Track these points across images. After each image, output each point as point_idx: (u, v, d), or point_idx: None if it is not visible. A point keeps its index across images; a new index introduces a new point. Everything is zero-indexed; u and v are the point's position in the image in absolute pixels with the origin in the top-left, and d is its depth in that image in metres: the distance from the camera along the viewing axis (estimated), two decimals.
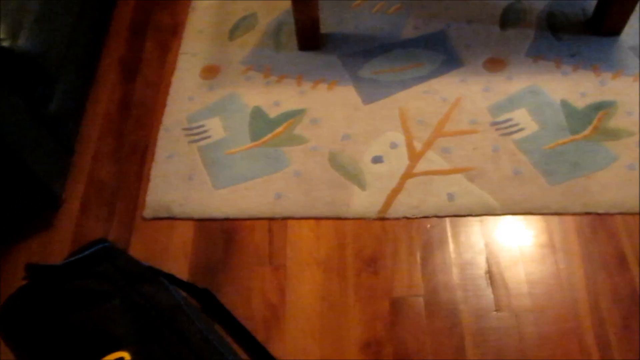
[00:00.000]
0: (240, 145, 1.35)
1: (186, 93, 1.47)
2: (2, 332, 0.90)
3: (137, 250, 1.23)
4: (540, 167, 1.26)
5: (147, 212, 1.27)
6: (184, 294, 1.07)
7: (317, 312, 1.13)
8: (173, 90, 1.48)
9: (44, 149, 1.27)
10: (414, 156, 1.29)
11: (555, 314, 1.10)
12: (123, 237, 1.26)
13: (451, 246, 1.18)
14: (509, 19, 1.53)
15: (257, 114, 1.40)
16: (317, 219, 1.23)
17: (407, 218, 1.22)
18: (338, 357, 1.08)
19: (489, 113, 1.35)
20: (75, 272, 0.88)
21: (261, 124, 1.38)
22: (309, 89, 1.44)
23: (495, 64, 1.44)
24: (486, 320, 1.10)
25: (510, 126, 1.33)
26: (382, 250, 1.19)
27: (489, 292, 1.13)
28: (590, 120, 1.33)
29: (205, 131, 1.39)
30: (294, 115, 1.39)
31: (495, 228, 1.20)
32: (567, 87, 1.39)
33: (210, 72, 1.50)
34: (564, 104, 1.36)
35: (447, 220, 1.22)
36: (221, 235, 1.23)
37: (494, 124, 1.34)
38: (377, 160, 1.30)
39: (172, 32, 1.63)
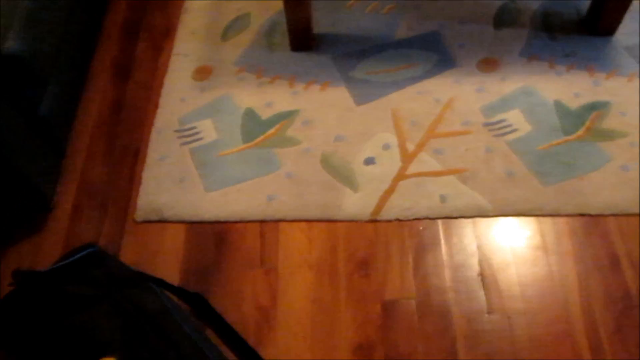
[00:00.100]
0: (232, 147, 1.35)
1: (178, 94, 1.46)
2: None
3: (129, 254, 1.23)
4: (533, 168, 1.25)
5: (139, 215, 1.26)
6: (175, 298, 1.07)
7: (308, 315, 1.12)
8: (165, 91, 1.47)
9: (34, 152, 1.26)
10: (407, 158, 1.29)
11: (547, 317, 1.09)
12: (114, 240, 1.25)
13: (443, 248, 1.18)
14: (503, 19, 1.52)
15: (250, 116, 1.39)
16: (309, 221, 1.23)
17: (400, 220, 1.21)
18: None
19: (482, 114, 1.35)
20: (62, 277, 0.88)
21: (253, 125, 1.38)
22: (302, 90, 1.43)
23: (489, 64, 1.44)
24: (478, 323, 1.09)
25: (504, 127, 1.32)
26: (374, 252, 1.18)
27: (481, 294, 1.12)
28: (583, 121, 1.32)
29: (197, 133, 1.38)
30: (287, 117, 1.38)
31: (487, 230, 1.19)
32: (560, 87, 1.38)
33: (203, 74, 1.50)
34: (558, 105, 1.35)
35: (440, 222, 1.21)
36: (213, 238, 1.23)
37: (487, 124, 1.33)
38: (369, 161, 1.29)
39: (165, 33, 1.62)
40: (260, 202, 1.25)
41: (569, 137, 1.30)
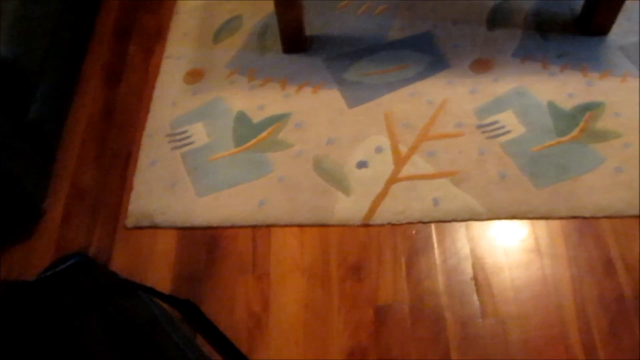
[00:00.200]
0: (223, 151, 1.34)
1: (170, 98, 1.45)
2: None
3: (120, 260, 1.22)
4: (527, 171, 1.25)
5: (130, 221, 1.25)
6: (166, 306, 1.06)
7: (300, 320, 1.11)
8: (156, 95, 1.46)
9: (24, 157, 1.25)
10: (399, 161, 1.28)
11: (541, 320, 1.08)
12: (105, 246, 1.24)
13: (436, 252, 1.17)
14: (496, 19, 1.51)
15: (241, 119, 1.38)
16: (301, 226, 1.22)
17: (392, 224, 1.20)
18: None
19: (475, 115, 1.34)
20: (49, 287, 0.87)
21: (245, 129, 1.37)
22: (294, 92, 1.42)
23: (482, 65, 1.43)
24: (472, 327, 1.08)
25: (497, 129, 1.31)
26: (366, 257, 1.17)
27: (474, 298, 1.12)
28: (577, 122, 1.31)
29: (188, 137, 1.37)
30: (278, 120, 1.37)
31: (481, 233, 1.19)
32: (554, 88, 1.37)
33: (194, 77, 1.49)
34: (551, 106, 1.34)
35: (433, 225, 1.20)
36: (204, 244, 1.22)
37: (480, 126, 1.32)
38: (361, 165, 1.28)
39: (157, 36, 1.61)
40: (252, 207, 1.24)
41: (563, 139, 1.29)
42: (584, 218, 1.19)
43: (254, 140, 1.35)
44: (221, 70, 1.49)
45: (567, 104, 1.34)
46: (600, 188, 1.21)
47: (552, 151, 1.27)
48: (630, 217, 1.18)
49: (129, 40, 1.61)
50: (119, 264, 1.21)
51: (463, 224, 1.20)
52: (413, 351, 1.07)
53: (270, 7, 1.60)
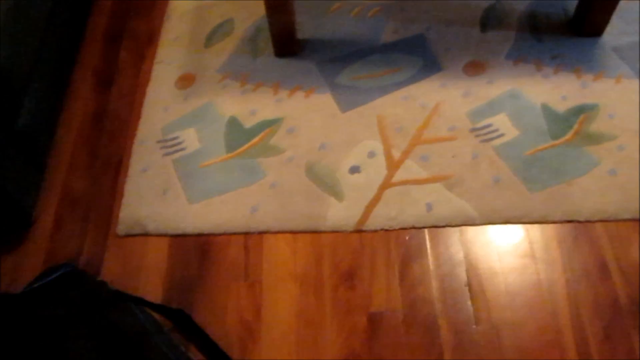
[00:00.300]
0: (215, 157, 1.33)
1: (161, 104, 1.44)
2: None
3: (111, 268, 1.21)
4: (521, 174, 1.24)
5: (120, 229, 1.24)
6: (158, 316, 1.05)
7: (293, 328, 1.10)
8: (148, 101, 1.45)
9: (13, 165, 1.24)
10: (392, 165, 1.27)
11: (535, 326, 1.07)
12: (97, 254, 1.23)
13: (430, 258, 1.16)
14: (489, 21, 1.50)
15: (233, 124, 1.37)
16: (294, 232, 1.21)
17: (385, 230, 1.19)
18: None
19: (468, 119, 1.33)
20: (37, 299, 0.86)
21: (237, 134, 1.36)
22: (286, 97, 1.41)
23: (475, 68, 1.42)
24: (466, 334, 1.07)
25: (490, 132, 1.30)
26: (359, 263, 1.16)
27: (468, 304, 1.11)
28: (571, 125, 1.30)
29: (179, 143, 1.36)
30: (270, 125, 1.36)
31: (474, 238, 1.18)
32: (548, 90, 1.36)
33: (186, 82, 1.47)
34: (545, 108, 1.33)
35: (426, 231, 1.19)
36: (196, 252, 1.21)
37: (474, 130, 1.31)
38: (354, 170, 1.27)
39: (148, 40, 1.60)
40: (244, 214, 1.23)
41: (557, 142, 1.28)
42: (579, 222, 1.18)
43: (245, 146, 1.34)
44: (213, 75, 1.48)
45: (561, 107, 1.33)
46: (594, 191, 1.20)
47: (546, 154, 1.26)
48: (624, 220, 1.17)
49: (119, 45, 1.60)
50: (110, 272, 1.20)
51: (457, 229, 1.19)
52: (406, 358, 1.06)
53: (261, 10, 1.59)
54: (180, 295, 1.16)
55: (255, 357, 1.08)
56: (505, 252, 1.16)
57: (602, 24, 1.44)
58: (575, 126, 1.30)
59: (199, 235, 1.22)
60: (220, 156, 1.32)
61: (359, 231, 1.19)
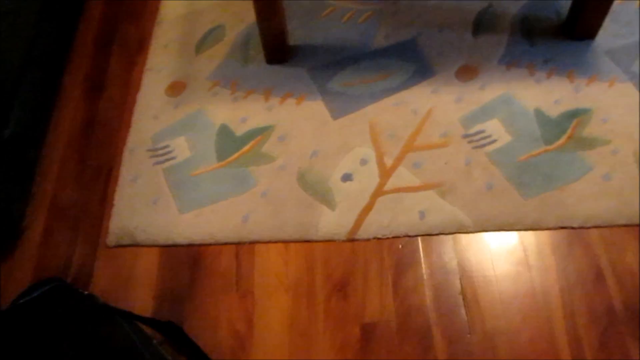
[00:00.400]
0: (206, 166, 1.31)
1: (151, 112, 1.42)
2: None
3: (101, 280, 1.19)
4: (514, 180, 1.23)
5: (110, 240, 1.23)
6: (148, 328, 1.03)
7: (285, 340, 1.09)
8: (138, 108, 1.44)
9: (1, 175, 1.22)
10: (385, 173, 1.26)
11: (530, 335, 1.06)
12: (86, 265, 1.22)
13: (423, 266, 1.15)
14: (482, 25, 1.49)
15: (224, 132, 1.36)
16: (286, 242, 1.19)
17: (378, 238, 1.18)
18: None
19: (460, 125, 1.32)
20: (23, 315, 0.84)
21: (228, 142, 1.34)
22: (277, 104, 1.39)
23: (467, 73, 1.41)
24: (460, 344, 1.06)
25: (483, 138, 1.29)
26: (352, 273, 1.15)
27: (462, 313, 1.10)
28: (564, 129, 1.29)
29: (170, 152, 1.35)
30: (262, 132, 1.35)
31: (468, 246, 1.17)
32: (540, 94, 1.35)
33: (176, 89, 1.46)
34: (538, 113, 1.32)
35: (419, 239, 1.18)
36: (187, 262, 1.19)
37: (466, 136, 1.30)
38: (346, 178, 1.26)
39: (138, 47, 1.58)
40: (236, 223, 1.22)
41: (550, 147, 1.27)
42: (573, 228, 1.17)
43: (236, 154, 1.32)
44: (203, 82, 1.46)
45: (554, 111, 1.32)
46: (588, 197, 1.19)
47: (539, 160, 1.25)
48: (619, 226, 1.16)
49: (110, 51, 1.59)
50: (101, 283, 1.19)
51: (450, 236, 1.18)
52: None
53: (252, 16, 1.57)
54: (171, 307, 1.15)
55: None
56: (499, 259, 1.14)
57: (595, 27, 1.43)
58: (569, 131, 1.29)
59: (190, 245, 1.21)
60: (211, 165, 1.31)
61: (351, 240, 1.18)
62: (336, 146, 1.31)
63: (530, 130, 1.30)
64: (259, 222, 1.21)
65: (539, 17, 1.49)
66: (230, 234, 1.21)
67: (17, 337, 0.83)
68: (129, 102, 1.46)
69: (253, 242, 1.20)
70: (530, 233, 1.17)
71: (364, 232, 1.18)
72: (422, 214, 1.19)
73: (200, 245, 1.21)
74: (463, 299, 1.11)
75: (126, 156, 1.35)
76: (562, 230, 1.17)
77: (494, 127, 1.31)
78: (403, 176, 1.25)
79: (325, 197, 1.23)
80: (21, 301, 0.87)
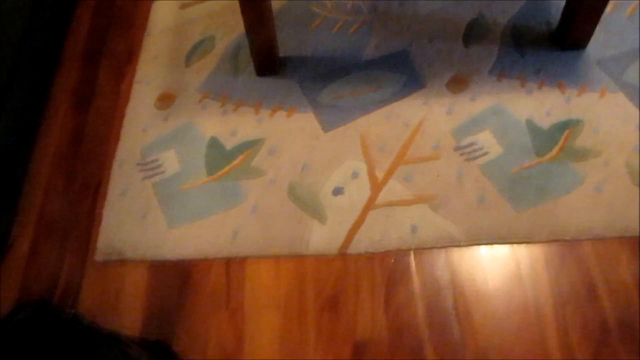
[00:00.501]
0: (195, 180, 1.30)
1: (140, 125, 1.41)
2: None
3: (89, 296, 1.18)
4: (506, 193, 1.22)
5: (99, 255, 1.21)
6: (137, 349, 1.02)
7: (276, 358, 1.07)
8: (127, 121, 1.42)
9: None
10: (376, 186, 1.25)
11: (523, 351, 1.05)
12: (74, 281, 1.20)
13: (415, 281, 1.14)
14: (472, 35, 1.48)
15: (214, 146, 1.35)
16: (276, 257, 1.18)
17: (370, 253, 1.17)
18: None
19: (452, 137, 1.31)
20: (6, 339, 0.82)
21: (217, 156, 1.33)
22: (267, 116, 1.38)
23: (458, 84, 1.40)
24: None
25: (475, 150, 1.28)
26: (343, 289, 1.14)
27: (455, 329, 1.09)
28: (556, 141, 1.29)
29: (159, 165, 1.33)
30: (252, 146, 1.34)
31: (461, 260, 1.16)
32: (532, 105, 1.35)
33: (166, 101, 1.45)
34: (529, 124, 1.32)
35: (411, 253, 1.17)
36: (176, 279, 1.18)
37: (458, 148, 1.29)
38: (337, 192, 1.25)
39: (127, 59, 1.57)
40: (225, 239, 1.21)
41: (542, 159, 1.26)
42: (565, 241, 1.16)
43: (226, 168, 1.31)
44: (193, 94, 1.45)
45: (546, 122, 1.32)
46: (580, 209, 1.19)
47: (531, 172, 1.24)
48: (611, 238, 1.15)
49: (99, 63, 1.57)
50: (88, 300, 1.17)
51: (442, 250, 1.17)
52: None
53: (242, 26, 1.56)
54: (160, 324, 1.13)
55: None
56: (491, 273, 1.14)
57: (586, 36, 1.43)
58: (560, 142, 1.28)
59: (179, 261, 1.19)
60: (200, 179, 1.30)
61: (342, 255, 1.17)
62: (327, 159, 1.30)
63: (522, 141, 1.29)
64: (249, 237, 1.20)
65: (530, 27, 1.49)
66: (220, 249, 1.19)
67: None
68: (118, 115, 1.45)
69: (243, 258, 1.18)
70: (523, 246, 1.16)
71: (355, 247, 1.17)
72: (414, 228, 1.18)
73: (189, 261, 1.19)
74: (456, 315, 1.10)
75: (115, 170, 1.33)
76: (555, 243, 1.16)
77: (485, 138, 1.30)
78: (394, 189, 1.24)
79: (316, 212, 1.22)
80: (4, 325, 0.85)
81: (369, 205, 1.22)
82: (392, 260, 1.16)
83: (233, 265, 1.18)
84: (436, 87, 1.40)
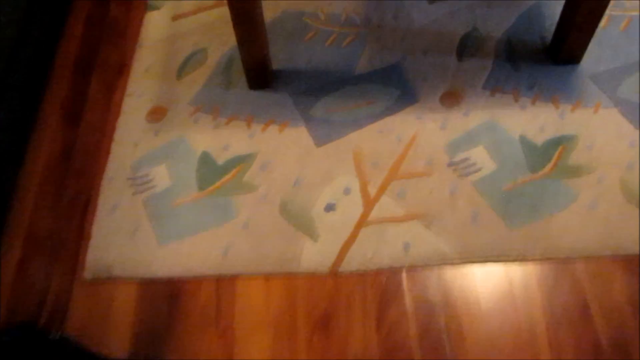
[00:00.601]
0: (186, 196, 1.28)
1: (131, 138, 1.40)
2: None
3: (77, 316, 1.16)
4: (499, 210, 1.21)
5: (87, 274, 1.20)
6: None
7: None
8: (118, 135, 1.41)
9: None
10: (368, 202, 1.24)
11: None
12: (62, 300, 1.18)
13: (407, 301, 1.13)
14: (466, 49, 1.48)
15: (205, 160, 1.33)
16: (267, 276, 1.17)
17: (361, 272, 1.16)
18: None
19: (445, 152, 1.30)
20: None
21: (209, 171, 1.32)
22: (259, 131, 1.37)
23: (452, 98, 1.39)
24: None
25: (468, 166, 1.28)
26: (335, 308, 1.12)
27: (448, 349, 1.07)
28: (550, 157, 1.28)
29: (150, 180, 1.32)
30: (243, 161, 1.32)
31: (453, 278, 1.14)
32: (525, 121, 1.34)
33: (157, 115, 1.43)
34: (523, 140, 1.31)
35: (403, 272, 1.16)
36: (165, 297, 1.16)
37: (451, 164, 1.28)
38: (329, 208, 1.24)
39: (119, 71, 1.56)
40: (216, 256, 1.19)
41: (535, 175, 1.25)
42: (559, 259, 1.15)
43: (218, 183, 1.30)
44: (184, 108, 1.44)
45: (539, 138, 1.31)
46: (574, 227, 1.18)
47: (524, 189, 1.23)
48: (605, 257, 1.14)
49: (90, 76, 1.56)
50: (76, 320, 1.16)
51: (435, 268, 1.16)
52: None
53: (235, 39, 1.55)
54: (148, 344, 1.12)
55: None
56: (484, 292, 1.12)
57: (580, 51, 1.42)
58: (554, 159, 1.28)
59: (169, 279, 1.18)
60: (191, 194, 1.28)
61: (334, 273, 1.16)
62: (319, 175, 1.28)
63: (515, 157, 1.28)
64: (240, 254, 1.19)
65: (524, 41, 1.48)
66: (210, 267, 1.18)
67: None
68: (109, 129, 1.43)
69: (234, 276, 1.17)
70: (516, 265, 1.15)
71: (347, 265, 1.16)
72: (406, 246, 1.17)
73: (179, 279, 1.18)
74: (448, 335, 1.09)
75: (105, 185, 1.32)
76: (548, 262, 1.15)
77: (479, 154, 1.29)
78: (387, 206, 1.23)
79: (307, 228, 1.21)
80: None
81: (361, 222, 1.21)
82: (384, 279, 1.15)
83: (223, 284, 1.17)
84: (429, 101, 1.39)
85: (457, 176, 1.26)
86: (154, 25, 1.61)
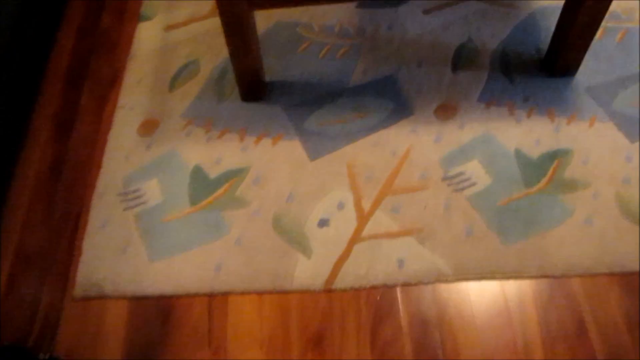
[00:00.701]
0: (178, 211, 1.27)
1: (122, 152, 1.38)
2: None
3: (68, 335, 1.14)
4: (494, 226, 1.20)
5: (77, 292, 1.18)
6: None
7: None
8: (109, 149, 1.39)
9: None
10: (362, 218, 1.22)
11: None
12: (52, 318, 1.16)
13: (402, 318, 1.11)
14: (461, 61, 1.47)
15: (197, 174, 1.32)
16: (260, 293, 1.15)
17: (355, 289, 1.14)
18: None
19: (440, 166, 1.29)
20: None
21: (201, 185, 1.30)
22: (252, 144, 1.36)
23: (446, 111, 1.38)
24: None
25: (463, 181, 1.26)
26: (328, 326, 1.11)
27: None
28: (545, 171, 1.27)
29: (141, 196, 1.30)
30: (236, 175, 1.31)
31: (448, 295, 1.13)
32: (520, 134, 1.33)
33: (149, 128, 1.42)
34: (518, 154, 1.30)
35: (398, 289, 1.14)
36: (157, 315, 1.15)
37: (446, 178, 1.27)
38: (323, 223, 1.22)
39: (110, 83, 1.54)
40: (208, 273, 1.18)
41: (530, 190, 1.24)
42: (554, 277, 1.14)
43: (210, 198, 1.28)
44: (176, 121, 1.42)
45: (535, 152, 1.30)
46: (569, 243, 1.17)
47: (519, 204, 1.22)
48: (601, 274, 1.13)
49: (81, 88, 1.54)
50: (67, 339, 1.14)
51: (429, 285, 1.14)
52: None
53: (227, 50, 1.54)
54: None
55: None
56: (479, 309, 1.11)
57: (575, 63, 1.42)
58: (549, 173, 1.27)
59: (160, 296, 1.16)
60: (183, 210, 1.27)
61: (328, 290, 1.14)
62: (313, 189, 1.27)
63: (510, 172, 1.27)
64: (232, 271, 1.17)
65: (519, 53, 1.48)
66: (202, 284, 1.16)
67: None
68: (100, 142, 1.42)
69: (226, 293, 1.16)
70: (511, 282, 1.14)
71: (340, 282, 1.15)
72: (400, 262, 1.16)
73: (171, 296, 1.16)
74: (443, 352, 1.07)
75: (95, 201, 1.30)
76: (544, 279, 1.14)
77: (473, 168, 1.28)
78: (381, 221, 1.21)
79: (301, 244, 1.19)
80: None
81: (355, 238, 1.20)
82: (379, 297, 1.13)
83: (215, 301, 1.15)
84: (424, 114, 1.38)
85: (451, 191, 1.25)
86: (146, 37, 1.60)
